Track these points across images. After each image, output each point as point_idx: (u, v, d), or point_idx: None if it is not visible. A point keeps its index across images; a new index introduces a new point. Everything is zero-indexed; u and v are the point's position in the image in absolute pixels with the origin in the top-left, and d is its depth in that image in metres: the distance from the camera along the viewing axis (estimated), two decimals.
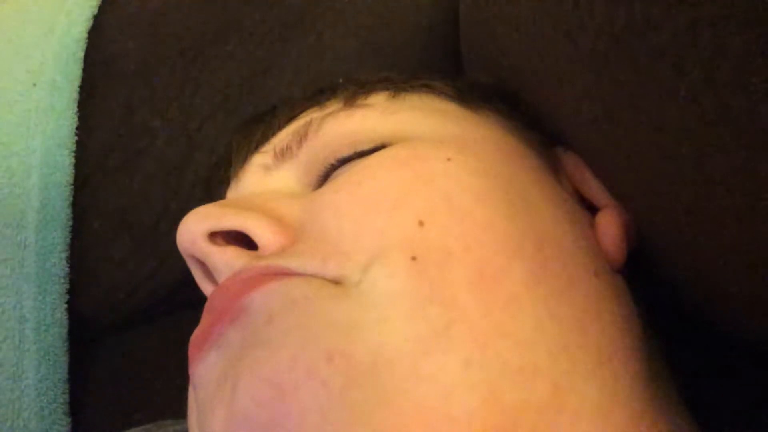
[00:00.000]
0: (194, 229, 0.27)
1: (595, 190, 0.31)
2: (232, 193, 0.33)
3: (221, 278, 0.26)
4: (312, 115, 0.32)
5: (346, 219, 0.25)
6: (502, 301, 0.23)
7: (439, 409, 0.21)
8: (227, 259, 0.26)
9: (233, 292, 0.25)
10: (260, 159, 0.32)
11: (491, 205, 0.25)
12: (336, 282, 0.24)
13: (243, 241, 0.27)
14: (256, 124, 0.35)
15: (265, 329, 0.23)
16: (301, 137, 0.31)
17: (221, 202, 0.29)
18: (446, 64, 0.48)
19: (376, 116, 0.30)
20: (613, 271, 0.28)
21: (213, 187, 0.37)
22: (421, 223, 0.24)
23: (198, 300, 0.39)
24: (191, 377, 0.26)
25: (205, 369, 0.24)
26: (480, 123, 0.31)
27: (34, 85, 0.41)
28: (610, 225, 0.29)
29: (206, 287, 0.28)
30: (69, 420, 0.40)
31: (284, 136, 0.32)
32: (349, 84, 0.34)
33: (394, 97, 0.32)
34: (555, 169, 0.32)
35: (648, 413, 0.25)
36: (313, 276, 0.24)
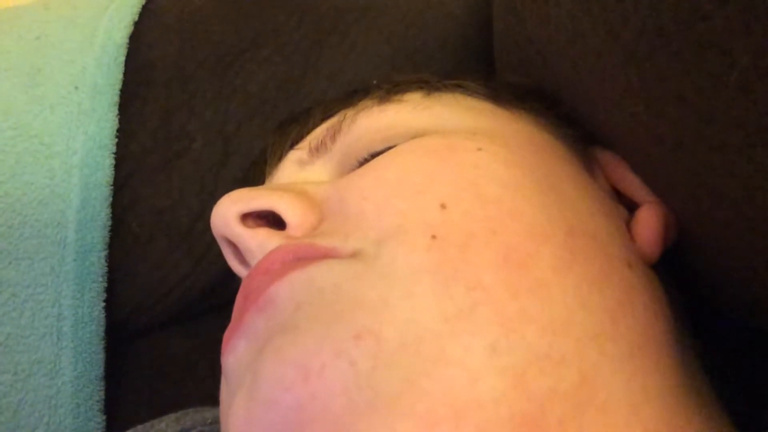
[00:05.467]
0: (227, 211, 0.28)
1: (634, 186, 0.31)
2: None
3: (253, 260, 0.27)
4: (346, 111, 0.32)
5: (369, 200, 0.26)
6: (530, 287, 0.23)
7: (466, 394, 0.21)
8: (259, 241, 0.27)
9: (259, 283, 0.25)
10: (295, 155, 0.33)
11: (520, 193, 0.25)
12: (353, 255, 0.24)
13: (275, 225, 0.28)
14: (292, 124, 0.36)
15: (292, 316, 0.23)
16: (335, 132, 0.31)
17: (253, 187, 0.30)
18: (478, 70, 0.48)
19: (409, 111, 0.31)
20: (647, 265, 0.28)
21: (249, 185, 0.37)
22: (443, 206, 0.24)
23: (232, 302, 0.39)
24: (223, 368, 0.26)
25: (235, 359, 0.24)
26: (513, 119, 0.31)
27: (77, 88, 0.42)
28: (650, 220, 0.29)
29: (239, 269, 0.29)
30: (104, 417, 0.40)
31: (319, 132, 0.32)
32: (382, 84, 0.34)
33: (428, 95, 0.32)
34: (590, 166, 0.32)
35: (681, 410, 0.25)
36: (333, 256, 0.24)
